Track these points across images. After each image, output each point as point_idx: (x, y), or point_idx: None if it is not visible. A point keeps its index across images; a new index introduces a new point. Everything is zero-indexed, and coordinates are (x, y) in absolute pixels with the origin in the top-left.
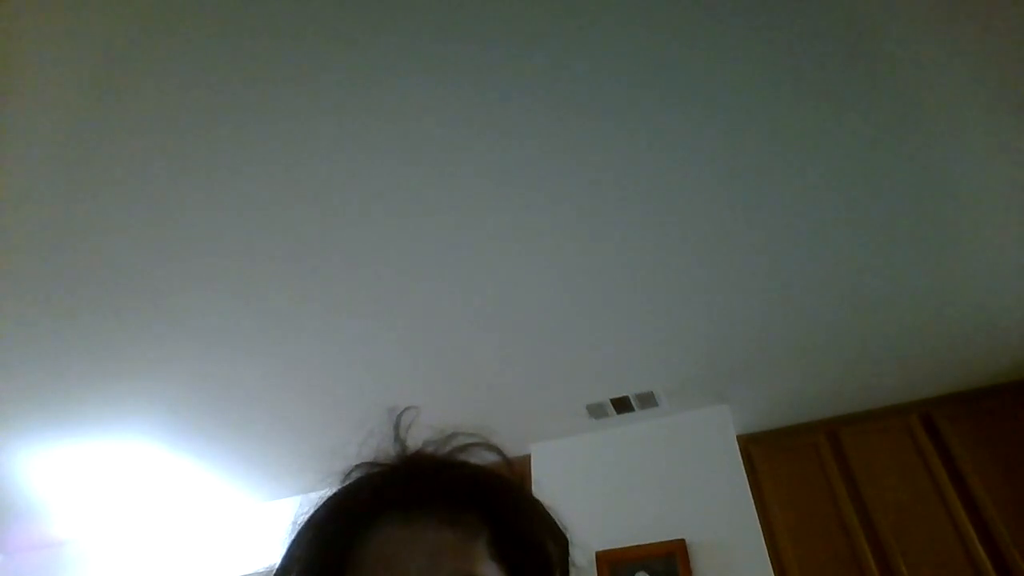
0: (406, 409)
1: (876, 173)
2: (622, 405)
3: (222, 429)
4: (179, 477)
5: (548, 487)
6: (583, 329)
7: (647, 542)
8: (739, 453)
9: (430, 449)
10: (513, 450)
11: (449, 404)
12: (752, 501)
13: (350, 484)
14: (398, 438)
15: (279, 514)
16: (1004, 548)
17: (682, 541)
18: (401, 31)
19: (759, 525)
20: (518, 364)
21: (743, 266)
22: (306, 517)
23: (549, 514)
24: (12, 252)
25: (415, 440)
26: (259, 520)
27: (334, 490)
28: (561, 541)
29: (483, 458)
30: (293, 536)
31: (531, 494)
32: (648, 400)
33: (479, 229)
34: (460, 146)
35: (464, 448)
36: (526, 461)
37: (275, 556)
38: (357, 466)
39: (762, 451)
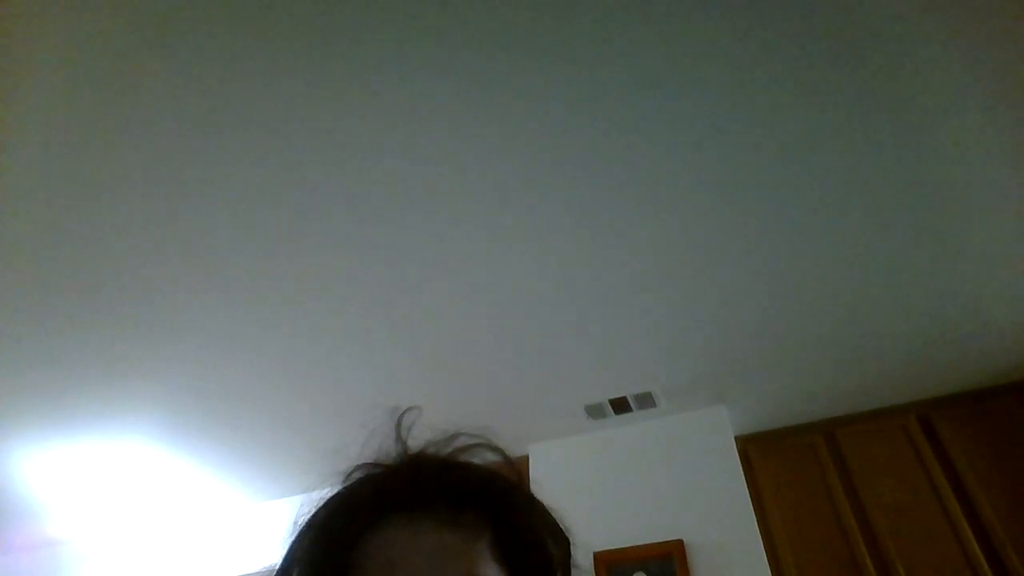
0: (408, 409)
1: (874, 174)
2: (620, 406)
3: (220, 429)
4: (177, 477)
5: (546, 488)
6: (581, 330)
7: (645, 542)
8: (737, 454)
9: (432, 450)
10: (511, 451)
11: (447, 404)
12: (750, 502)
13: (352, 485)
14: (400, 439)
15: (278, 514)
16: (1001, 549)
17: (680, 542)
18: (402, 34)
19: (757, 526)
20: (516, 365)
21: (741, 267)
22: (307, 517)
23: (551, 515)
24: (12, 252)
25: (417, 440)
26: (257, 520)
27: (335, 490)
28: (563, 542)
29: (485, 459)
30: (294, 536)
31: (533, 495)
32: (646, 401)
33: (477, 230)
34: (460, 147)
35: (466, 449)
36: (524, 462)
37: (275, 556)
38: (358, 467)
39: (760, 452)
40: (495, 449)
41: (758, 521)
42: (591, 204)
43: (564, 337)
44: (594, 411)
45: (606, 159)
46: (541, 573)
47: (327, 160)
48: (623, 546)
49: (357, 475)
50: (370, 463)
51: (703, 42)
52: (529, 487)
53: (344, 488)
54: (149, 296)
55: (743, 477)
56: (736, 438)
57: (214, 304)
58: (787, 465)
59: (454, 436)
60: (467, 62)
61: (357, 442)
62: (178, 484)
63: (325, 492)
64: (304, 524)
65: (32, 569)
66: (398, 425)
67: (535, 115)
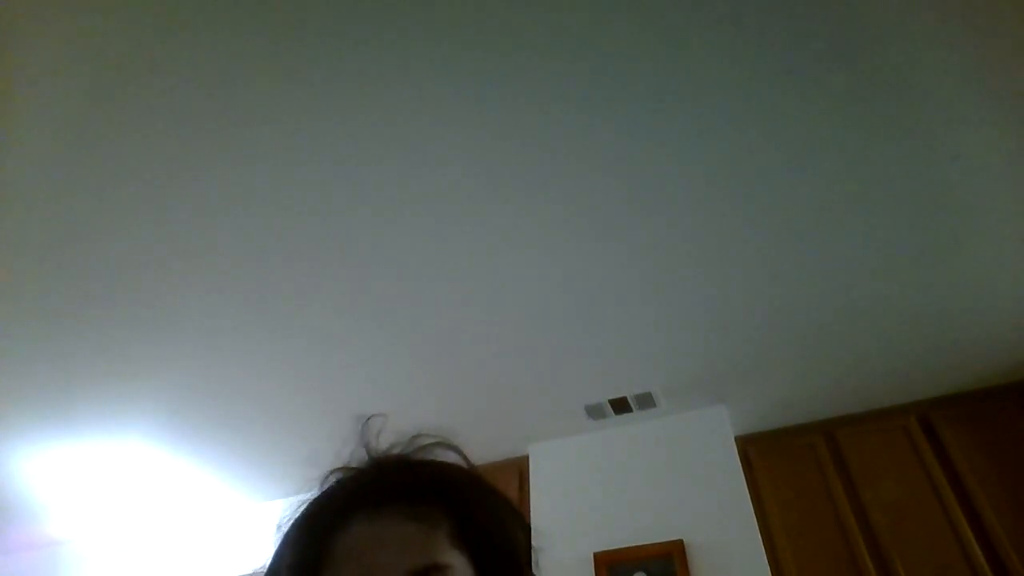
0: (372, 416)
1: (874, 175)
2: (620, 406)
3: (220, 429)
4: (177, 477)
5: (546, 488)
6: (581, 330)
7: (645, 543)
8: (737, 454)
9: (395, 451)
10: (511, 451)
11: (448, 405)
12: (750, 502)
13: (326, 488)
14: (366, 443)
15: (276, 514)
16: (1001, 549)
17: (680, 542)
18: (401, 32)
19: (757, 526)
20: (516, 365)
21: (741, 267)
22: (288, 521)
23: (510, 503)
24: (12, 252)
25: (384, 444)
26: (256, 520)
27: (312, 494)
28: (523, 528)
29: (447, 457)
30: (277, 539)
31: (491, 485)
32: (646, 401)
33: (478, 230)
34: (458, 147)
35: (426, 448)
36: (524, 462)
37: (265, 558)
38: (333, 471)
39: (760, 452)
40: (452, 447)
41: (758, 521)
42: (591, 205)
43: (564, 337)
44: (594, 411)
45: (607, 160)
46: (505, 558)
47: (328, 160)
48: (623, 546)
49: (332, 479)
50: (343, 467)
51: (704, 44)
52: (527, 487)
53: (320, 492)
54: (150, 296)
55: (743, 477)
56: (736, 438)
57: (214, 304)
58: (787, 465)
59: (415, 437)
60: (469, 63)
61: (343, 447)
62: (178, 484)
63: (305, 496)
64: (285, 527)
65: (32, 569)
66: (363, 431)
67: (535, 117)
